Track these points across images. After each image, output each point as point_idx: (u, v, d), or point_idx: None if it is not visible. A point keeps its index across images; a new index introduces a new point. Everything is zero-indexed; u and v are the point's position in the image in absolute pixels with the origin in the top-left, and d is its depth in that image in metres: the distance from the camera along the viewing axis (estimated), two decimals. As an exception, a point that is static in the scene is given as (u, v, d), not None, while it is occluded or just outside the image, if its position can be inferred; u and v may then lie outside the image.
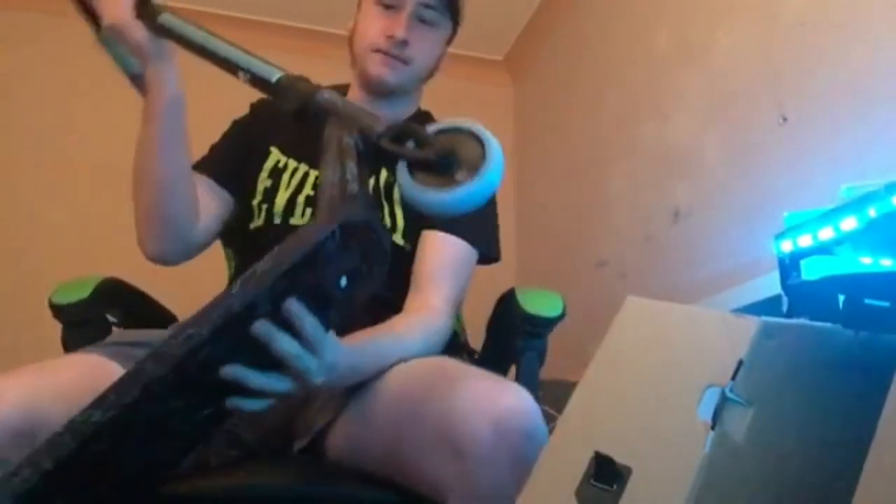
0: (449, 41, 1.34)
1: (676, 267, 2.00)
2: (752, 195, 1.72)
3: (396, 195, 1.23)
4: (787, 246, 0.89)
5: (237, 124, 1.34)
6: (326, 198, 0.80)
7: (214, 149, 1.31)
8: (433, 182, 0.80)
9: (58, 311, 1.14)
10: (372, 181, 1.22)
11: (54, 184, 2.68)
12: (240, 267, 1.27)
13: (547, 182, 2.92)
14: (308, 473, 1.00)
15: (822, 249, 0.85)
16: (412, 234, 1.21)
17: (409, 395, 0.93)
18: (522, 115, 3.20)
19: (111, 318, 1.19)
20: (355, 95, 1.29)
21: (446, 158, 0.80)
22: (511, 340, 1.16)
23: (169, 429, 0.78)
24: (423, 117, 1.36)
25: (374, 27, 1.24)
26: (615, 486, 0.63)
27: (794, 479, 0.71)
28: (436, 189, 0.79)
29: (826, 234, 0.84)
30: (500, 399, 0.83)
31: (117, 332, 1.14)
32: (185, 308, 1.24)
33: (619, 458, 0.64)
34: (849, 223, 0.80)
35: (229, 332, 0.71)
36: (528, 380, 1.15)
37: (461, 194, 0.78)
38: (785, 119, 1.63)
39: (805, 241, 0.87)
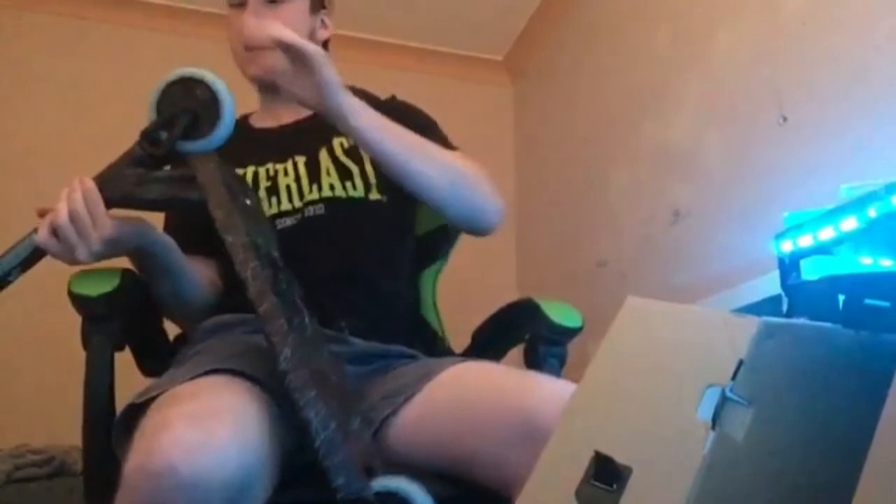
0: (315, 7, 1.34)
1: (676, 267, 2.00)
2: (752, 195, 1.72)
3: (365, 154, 1.26)
4: (787, 246, 0.89)
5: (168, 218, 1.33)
6: None
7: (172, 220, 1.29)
8: (198, 134, 1.02)
9: (83, 302, 1.07)
10: (338, 148, 1.27)
11: (55, 182, 2.67)
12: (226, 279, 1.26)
13: (546, 182, 2.92)
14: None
15: (822, 249, 0.85)
16: (387, 187, 1.24)
17: (481, 395, 0.96)
18: (522, 115, 3.20)
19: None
20: (262, 100, 1.36)
21: (193, 114, 1.03)
22: (534, 347, 1.21)
23: None
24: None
25: (233, 31, 1.27)
26: (615, 486, 0.63)
27: (795, 478, 0.71)
28: (201, 138, 1.01)
29: (826, 234, 0.84)
30: None
31: (209, 341, 1.11)
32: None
33: (619, 458, 0.64)
34: (849, 223, 0.80)
35: None
36: None
37: (220, 134, 1.02)
38: (785, 119, 1.63)
39: (805, 241, 0.86)
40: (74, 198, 0.98)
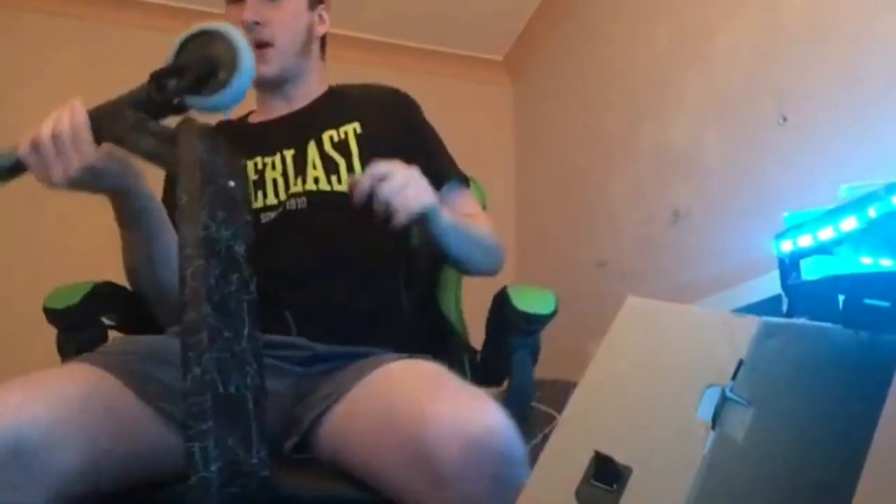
0: (313, 2, 1.33)
1: (676, 267, 2.00)
2: (752, 195, 1.72)
3: (354, 149, 1.25)
4: (787, 246, 0.89)
5: (168, 181, 1.31)
6: None
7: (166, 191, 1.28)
8: (208, 90, 0.94)
9: (52, 315, 1.15)
10: (328, 141, 1.26)
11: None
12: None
13: (546, 182, 2.92)
14: (301, 473, 0.99)
15: (822, 249, 0.84)
16: None
17: (386, 409, 0.92)
18: (522, 115, 3.20)
19: (108, 322, 1.20)
20: (258, 97, 1.35)
21: (207, 67, 0.95)
22: (504, 338, 1.16)
23: None
24: (336, 94, 1.37)
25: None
26: (615, 486, 0.63)
27: (795, 478, 0.71)
28: (210, 94, 0.94)
29: (826, 234, 0.83)
30: (473, 420, 0.82)
31: (112, 340, 1.13)
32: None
33: (619, 458, 0.64)
34: (849, 223, 0.80)
35: None
36: (522, 377, 1.15)
37: (229, 95, 0.93)
38: (785, 119, 1.63)
39: (805, 241, 0.86)
40: (61, 118, 0.96)
